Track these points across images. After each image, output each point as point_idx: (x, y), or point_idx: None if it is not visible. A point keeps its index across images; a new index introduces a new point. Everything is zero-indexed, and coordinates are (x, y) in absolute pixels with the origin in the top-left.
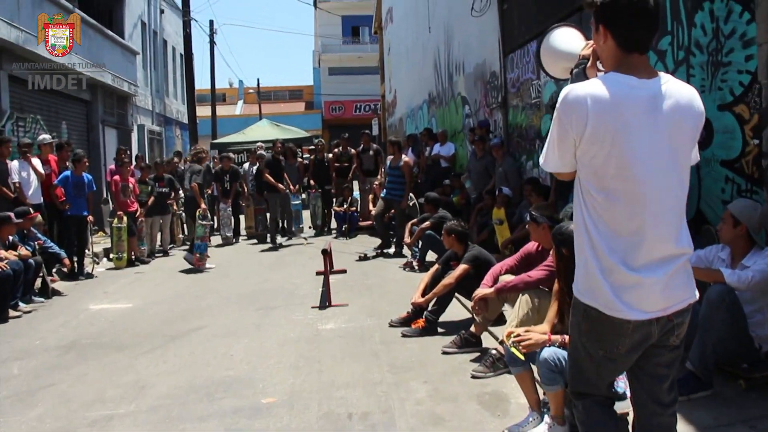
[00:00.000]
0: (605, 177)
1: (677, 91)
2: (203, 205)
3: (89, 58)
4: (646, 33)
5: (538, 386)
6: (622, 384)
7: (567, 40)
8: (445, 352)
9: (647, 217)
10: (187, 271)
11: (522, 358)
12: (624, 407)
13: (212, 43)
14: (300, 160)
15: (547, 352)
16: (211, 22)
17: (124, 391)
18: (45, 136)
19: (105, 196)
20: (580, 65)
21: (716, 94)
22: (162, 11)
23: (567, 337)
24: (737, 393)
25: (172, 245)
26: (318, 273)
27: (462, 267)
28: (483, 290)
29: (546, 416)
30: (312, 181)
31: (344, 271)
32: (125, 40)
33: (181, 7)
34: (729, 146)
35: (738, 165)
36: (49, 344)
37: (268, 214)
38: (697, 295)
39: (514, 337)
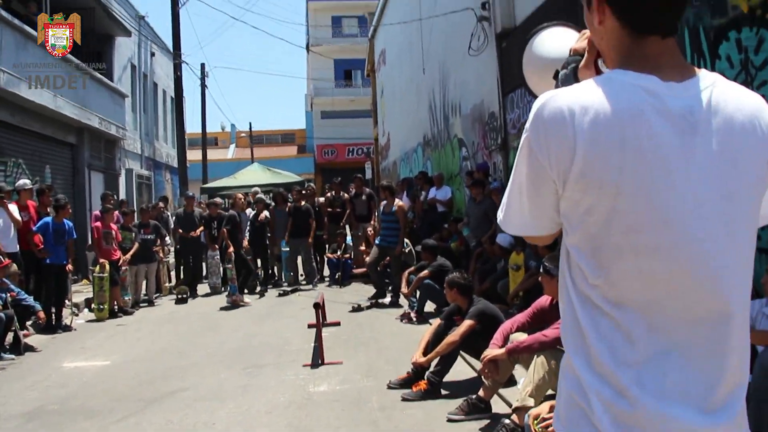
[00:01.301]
0: (607, 248)
1: (732, 100)
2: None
3: (76, 101)
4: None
5: None
6: None
7: (560, 44)
8: (451, 420)
9: (681, 316)
10: (172, 324)
11: None
12: None
13: (203, 86)
14: (290, 204)
15: None
16: (203, 66)
17: None
18: (25, 181)
19: (89, 242)
20: (570, 65)
21: None
22: (153, 54)
23: None
24: None
25: (157, 294)
26: (310, 326)
27: (467, 323)
28: (493, 351)
29: None
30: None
31: (338, 324)
32: (114, 82)
33: (172, 50)
34: None
35: None
36: (10, 411)
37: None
38: None
39: (539, 421)
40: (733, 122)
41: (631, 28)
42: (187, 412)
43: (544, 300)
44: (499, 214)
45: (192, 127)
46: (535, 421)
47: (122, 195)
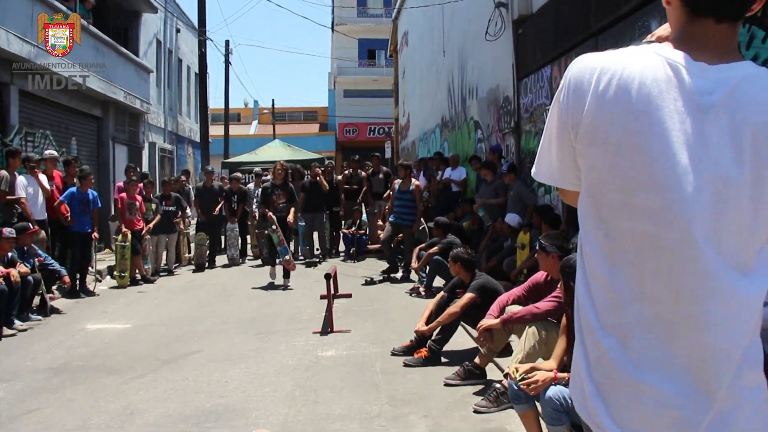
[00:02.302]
0: (606, 205)
1: (763, 93)
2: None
3: (102, 75)
4: None
5: (542, 425)
6: None
7: None
8: (447, 384)
9: (661, 278)
10: (189, 293)
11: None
12: None
13: (227, 63)
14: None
15: (552, 391)
16: (227, 42)
17: (111, 419)
18: (51, 152)
19: (113, 213)
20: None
21: None
22: (178, 30)
23: None
24: None
25: (177, 264)
26: (322, 297)
27: (468, 296)
28: (489, 321)
29: None
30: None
31: (349, 296)
32: (140, 58)
33: (197, 27)
34: None
35: None
36: (39, 365)
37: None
38: None
39: (520, 376)
40: (752, 113)
41: (690, 8)
42: (201, 371)
43: (539, 275)
44: (534, 167)
45: (215, 102)
46: (517, 374)
47: (145, 168)
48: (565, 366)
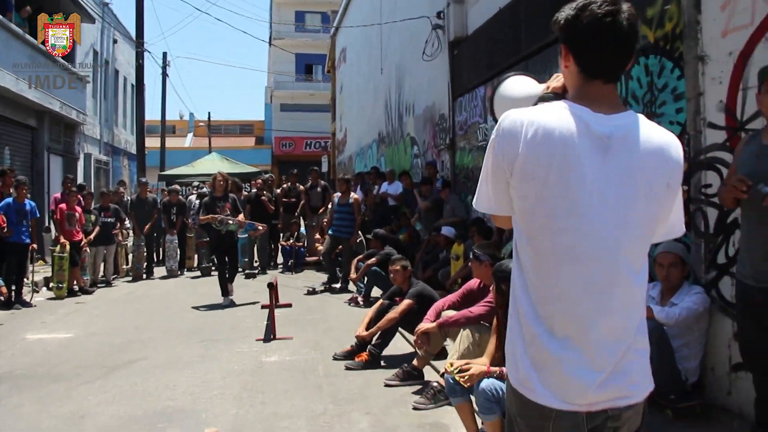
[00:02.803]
0: (534, 226)
1: (644, 134)
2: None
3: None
4: (612, 56)
5: (477, 417)
6: None
7: (523, 86)
8: (387, 385)
9: (578, 279)
10: (129, 303)
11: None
12: None
13: (164, 75)
14: (245, 193)
15: (485, 383)
16: (164, 54)
17: (62, 422)
18: None
19: (47, 224)
20: (547, 99)
21: None
22: (115, 41)
23: (504, 369)
24: (665, 422)
25: (115, 276)
26: (263, 306)
27: (406, 302)
28: (425, 325)
29: None
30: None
31: (289, 305)
32: (76, 68)
33: (134, 38)
34: None
35: None
36: None
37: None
38: (652, 386)
39: (456, 370)
40: (639, 148)
41: (585, 74)
42: (149, 377)
43: (473, 282)
44: (475, 199)
45: (151, 114)
46: (452, 367)
47: (80, 179)
48: (497, 362)
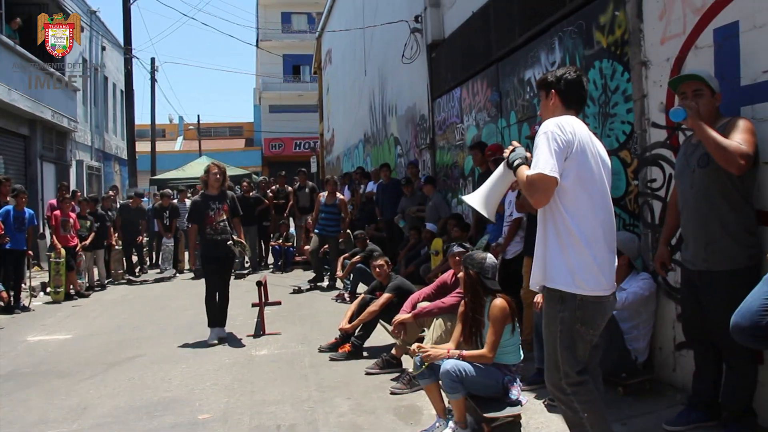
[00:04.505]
0: (573, 189)
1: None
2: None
3: (29, 94)
4: (581, 97)
5: (444, 396)
6: (515, 392)
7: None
8: (368, 373)
9: (604, 213)
10: (125, 305)
11: (423, 366)
12: (516, 410)
13: (153, 80)
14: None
15: (449, 365)
16: (153, 60)
17: (67, 413)
18: None
19: (42, 231)
20: (521, 157)
21: (606, 140)
22: (104, 48)
23: (464, 352)
24: (616, 398)
25: (109, 280)
26: (254, 305)
27: (386, 295)
28: (402, 316)
29: (450, 422)
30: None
31: (279, 303)
32: (66, 76)
33: (123, 45)
34: (616, 186)
35: (623, 202)
36: None
37: None
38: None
39: (420, 350)
40: (600, 149)
41: (565, 106)
42: (146, 372)
43: (446, 275)
44: (548, 169)
45: (140, 119)
46: (415, 352)
47: (73, 185)
48: (461, 346)
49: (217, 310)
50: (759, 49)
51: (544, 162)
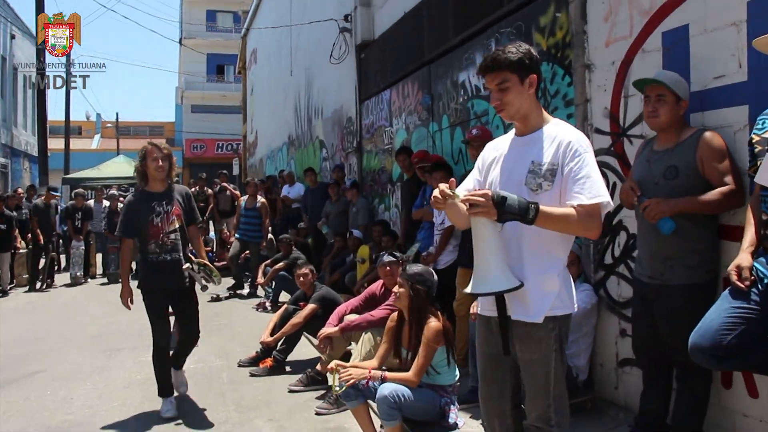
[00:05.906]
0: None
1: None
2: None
3: None
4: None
5: (373, 418)
6: (452, 415)
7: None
8: (291, 390)
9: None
10: (29, 313)
11: (337, 389)
12: None
13: (68, 73)
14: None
15: (387, 390)
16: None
17: None
18: None
19: None
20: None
21: None
22: (13, 36)
23: (387, 374)
24: None
25: (12, 285)
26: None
27: (310, 307)
28: (328, 329)
29: None
30: None
31: None
32: None
33: (34, 34)
34: None
35: None
36: None
37: None
38: None
39: (339, 369)
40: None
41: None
42: (45, 390)
43: (375, 286)
44: (603, 192)
45: (54, 114)
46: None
47: None
48: (388, 364)
49: (173, 365)
50: (709, 54)
51: (602, 188)
